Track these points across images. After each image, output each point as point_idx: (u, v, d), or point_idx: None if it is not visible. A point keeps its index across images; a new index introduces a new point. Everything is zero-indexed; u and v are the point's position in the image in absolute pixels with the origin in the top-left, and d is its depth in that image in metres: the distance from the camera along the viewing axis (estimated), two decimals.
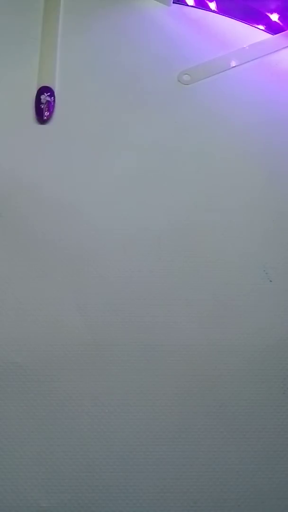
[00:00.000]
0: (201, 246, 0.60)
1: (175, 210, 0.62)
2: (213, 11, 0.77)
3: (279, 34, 0.75)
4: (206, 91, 0.71)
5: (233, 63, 0.73)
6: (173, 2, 0.77)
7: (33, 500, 0.49)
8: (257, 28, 0.76)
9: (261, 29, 0.76)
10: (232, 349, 0.55)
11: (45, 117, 0.67)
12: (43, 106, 0.68)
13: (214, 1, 0.76)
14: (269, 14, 0.75)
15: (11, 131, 0.67)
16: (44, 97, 0.68)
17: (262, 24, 0.75)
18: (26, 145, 0.66)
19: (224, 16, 0.77)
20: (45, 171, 0.64)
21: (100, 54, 0.73)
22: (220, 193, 0.64)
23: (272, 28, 0.75)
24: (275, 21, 0.75)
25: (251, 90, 0.71)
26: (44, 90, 0.69)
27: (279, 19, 0.74)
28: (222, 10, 0.76)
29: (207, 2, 0.77)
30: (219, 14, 0.77)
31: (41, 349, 0.54)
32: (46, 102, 0.68)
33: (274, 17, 0.74)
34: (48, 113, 0.67)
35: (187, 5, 0.78)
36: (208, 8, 0.77)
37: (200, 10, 0.77)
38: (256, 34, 0.75)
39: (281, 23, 0.74)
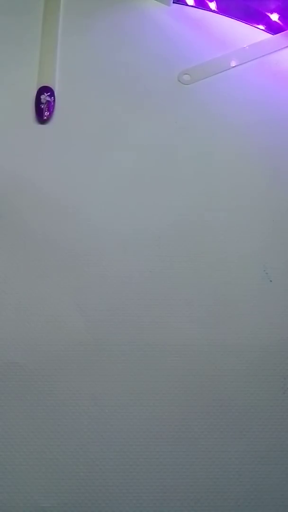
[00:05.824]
0: (201, 246, 0.60)
1: (175, 210, 0.62)
2: (213, 11, 0.77)
3: (279, 34, 0.75)
4: (206, 91, 0.71)
5: (233, 63, 0.73)
6: (173, 2, 0.77)
7: (33, 500, 0.49)
8: (257, 28, 0.76)
9: (261, 29, 0.76)
10: (232, 349, 0.55)
11: (45, 117, 0.67)
12: (43, 106, 0.68)
13: (214, 1, 0.76)
14: (269, 14, 0.75)
15: (11, 131, 0.67)
16: (44, 97, 0.68)
17: (262, 24, 0.75)
18: (26, 145, 0.66)
19: (224, 16, 0.77)
20: (45, 171, 0.64)
21: (100, 54, 0.73)
22: (220, 193, 0.64)
23: (272, 28, 0.75)
24: (275, 21, 0.75)
25: (251, 90, 0.71)
26: (44, 90, 0.69)
27: (279, 19, 0.74)
28: (222, 10, 0.76)
29: (207, 2, 0.77)
30: (219, 14, 0.77)
31: (41, 349, 0.54)
32: (46, 102, 0.68)
33: (274, 17, 0.74)
34: (48, 113, 0.67)
35: (187, 5, 0.78)
36: (208, 8, 0.77)
37: (200, 10, 0.77)
38: (256, 34, 0.75)
39: (281, 23, 0.75)
